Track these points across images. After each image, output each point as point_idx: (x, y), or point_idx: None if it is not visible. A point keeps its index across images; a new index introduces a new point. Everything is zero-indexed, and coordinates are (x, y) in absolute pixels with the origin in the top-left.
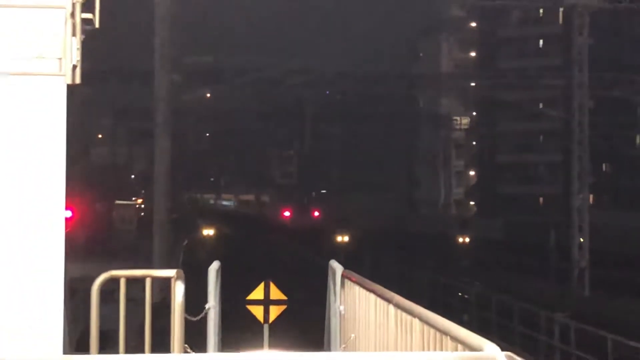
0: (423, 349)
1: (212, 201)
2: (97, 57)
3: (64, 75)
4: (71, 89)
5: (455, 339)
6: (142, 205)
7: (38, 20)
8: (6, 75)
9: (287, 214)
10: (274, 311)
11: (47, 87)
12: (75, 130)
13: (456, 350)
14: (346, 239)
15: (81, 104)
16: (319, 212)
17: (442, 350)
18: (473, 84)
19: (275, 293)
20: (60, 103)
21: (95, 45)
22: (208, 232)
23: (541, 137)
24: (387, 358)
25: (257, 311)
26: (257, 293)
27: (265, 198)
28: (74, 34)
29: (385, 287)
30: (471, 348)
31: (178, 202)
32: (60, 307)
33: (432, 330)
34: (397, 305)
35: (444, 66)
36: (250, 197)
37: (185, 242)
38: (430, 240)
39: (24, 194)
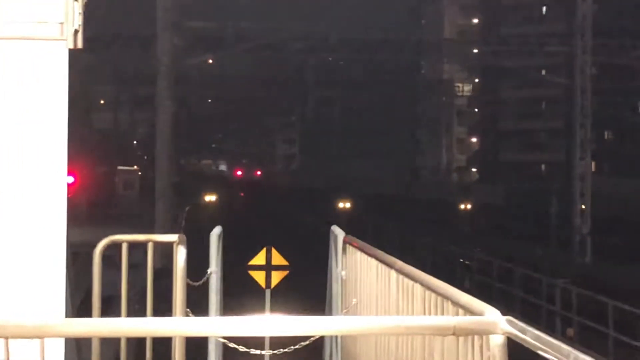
0: (424, 314)
1: (213, 167)
2: (99, 22)
3: (65, 39)
4: (73, 54)
5: (457, 304)
6: (144, 171)
7: None
8: (6, 39)
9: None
10: (276, 276)
11: (49, 51)
12: (77, 96)
13: (457, 315)
14: (348, 205)
15: (83, 69)
16: (260, 171)
17: (443, 315)
18: (475, 51)
19: (277, 258)
20: (61, 68)
21: (97, 10)
22: (209, 197)
23: (543, 104)
24: (389, 322)
25: (259, 276)
26: (259, 258)
27: (223, 165)
28: None
29: (387, 253)
30: (472, 313)
31: (180, 168)
32: (63, 271)
33: (433, 295)
34: (399, 271)
35: (447, 32)
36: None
37: (187, 207)
38: (432, 207)
39: (25, 160)
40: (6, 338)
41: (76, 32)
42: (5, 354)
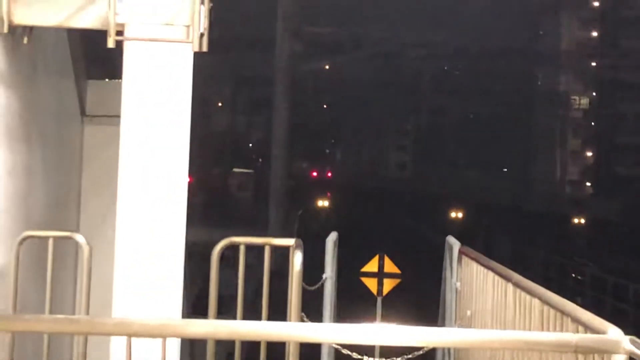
0: (542, 330)
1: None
2: (221, 26)
3: (191, 42)
4: (197, 56)
5: (576, 321)
6: (258, 174)
7: None
8: (134, 40)
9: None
10: (388, 284)
11: (175, 53)
12: (196, 97)
13: (577, 332)
14: (460, 215)
15: (204, 71)
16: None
17: (562, 331)
18: (594, 64)
19: (390, 266)
20: (186, 70)
21: (221, 14)
22: (323, 202)
23: None
24: (507, 336)
25: (371, 284)
26: (371, 265)
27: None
28: (202, 2)
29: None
30: (593, 331)
31: (294, 172)
32: (181, 271)
33: (552, 311)
34: (517, 284)
35: (565, 44)
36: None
37: (300, 211)
38: (545, 219)
39: (149, 159)
40: (129, 336)
41: (202, 35)
42: (127, 351)
